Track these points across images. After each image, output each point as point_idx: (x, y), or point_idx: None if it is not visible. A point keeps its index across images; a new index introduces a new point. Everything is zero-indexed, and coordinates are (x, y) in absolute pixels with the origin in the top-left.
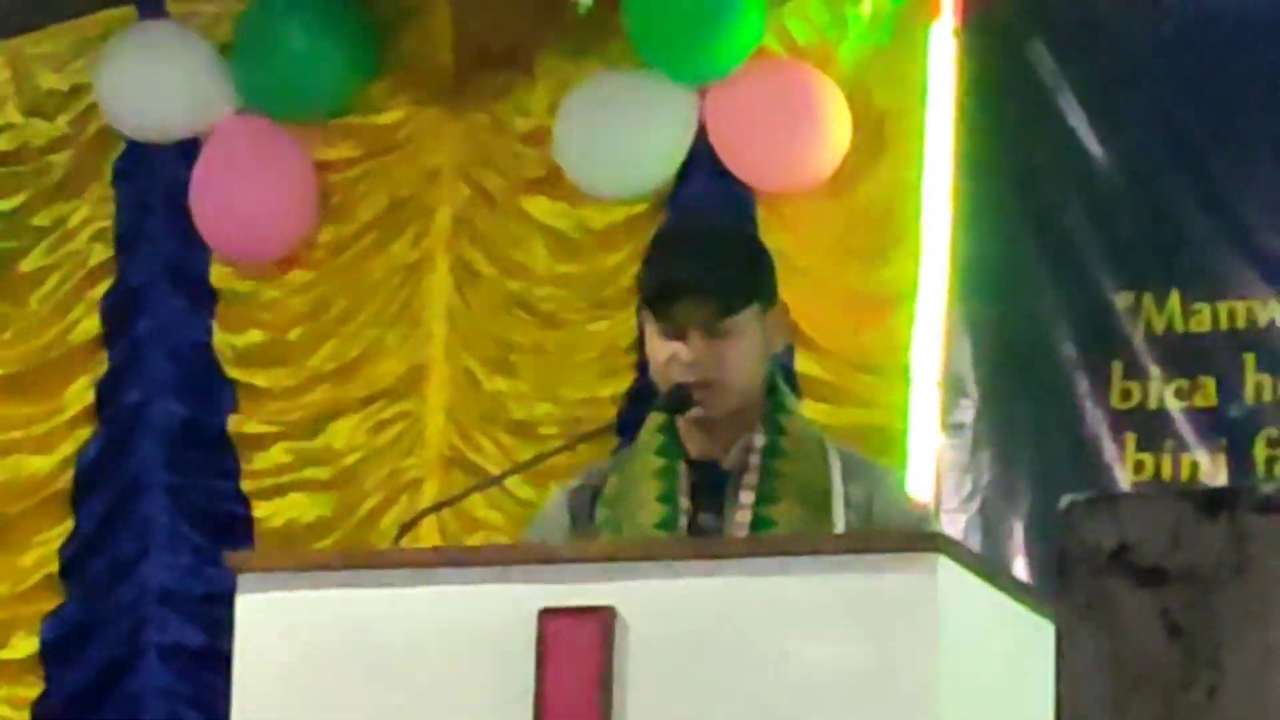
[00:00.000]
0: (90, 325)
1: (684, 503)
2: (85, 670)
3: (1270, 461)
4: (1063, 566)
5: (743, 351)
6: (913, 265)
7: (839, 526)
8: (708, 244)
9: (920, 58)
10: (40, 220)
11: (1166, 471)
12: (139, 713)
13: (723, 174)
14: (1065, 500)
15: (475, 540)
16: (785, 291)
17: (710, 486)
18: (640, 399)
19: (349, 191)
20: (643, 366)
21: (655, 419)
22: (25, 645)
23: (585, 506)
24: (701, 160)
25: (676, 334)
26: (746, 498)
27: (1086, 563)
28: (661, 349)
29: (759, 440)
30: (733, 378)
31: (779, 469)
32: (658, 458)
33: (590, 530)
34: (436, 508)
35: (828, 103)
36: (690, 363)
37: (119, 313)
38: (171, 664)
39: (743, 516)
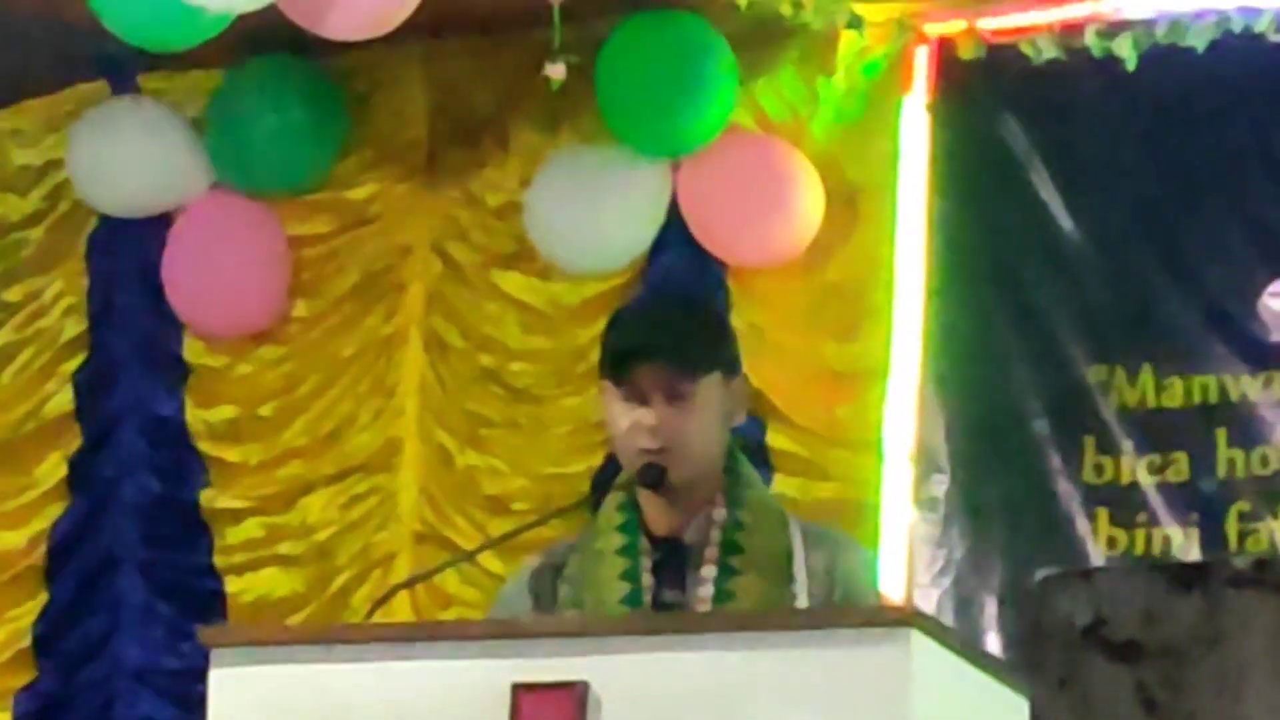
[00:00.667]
0: (63, 400)
1: (647, 579)
2: None
3: (1243, 536)
4: (1037, 641)
5: (704, 419)
6: (885, 340)
7: (801, 598)
8: (667, 312)
9: (892, 132)
10: (12, 296)
11: (1139, 546)
12: None
13: (695, 248)
14: (1039, 575)
15: (448, 616)
16: (757, 366)
17: (672, 562)
18: (615, 474)
19: (321, 266)
20: None
21: (615, 496)
22: None
23: (548, 586)
24: (674, 235)
25: (639, 399)
26: (708, 572)
27: (1061, 637)
28: (624, 416)
29: (719, 514)
30: (694, 445)
31: (740, 542)
32: (620, 535)
33: (553, 610)
34: (409, 583)
35: (800, 177)
36: (653, 427)
37: (92, 388)
38: None
39: (705, 591)
